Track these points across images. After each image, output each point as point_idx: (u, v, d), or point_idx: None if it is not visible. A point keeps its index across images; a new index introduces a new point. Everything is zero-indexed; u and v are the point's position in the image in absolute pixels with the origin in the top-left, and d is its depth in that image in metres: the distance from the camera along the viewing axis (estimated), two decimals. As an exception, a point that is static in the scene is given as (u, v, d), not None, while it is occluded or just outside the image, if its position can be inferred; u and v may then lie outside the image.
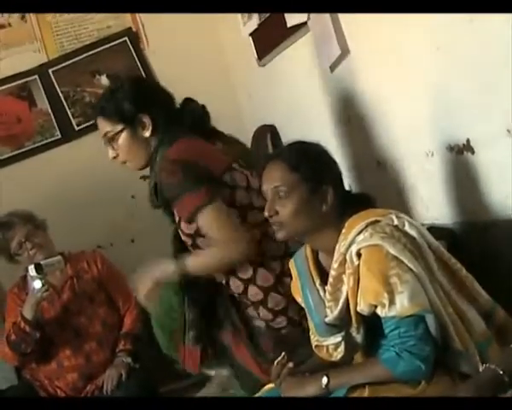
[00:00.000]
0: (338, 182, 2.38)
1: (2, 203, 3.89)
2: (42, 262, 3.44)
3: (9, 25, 4.64)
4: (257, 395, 2.51)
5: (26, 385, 3.69)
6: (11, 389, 3.86)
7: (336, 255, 2.25)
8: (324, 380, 2.23)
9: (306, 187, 2.29)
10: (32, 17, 4.65)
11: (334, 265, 2.26)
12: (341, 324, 2.30)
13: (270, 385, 2.48)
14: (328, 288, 2.30)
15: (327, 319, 2.31)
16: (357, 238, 2.19)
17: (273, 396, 2.40)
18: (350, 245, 2.20)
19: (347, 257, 2.21)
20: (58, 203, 4.33)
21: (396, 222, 2.22)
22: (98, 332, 3.66)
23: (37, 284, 3.39)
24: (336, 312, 2.27)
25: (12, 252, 3.63)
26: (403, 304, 2.10)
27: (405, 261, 2.13)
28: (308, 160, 2.33)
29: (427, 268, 2.18)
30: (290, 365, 2.37)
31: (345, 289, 2.24)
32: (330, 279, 2.28)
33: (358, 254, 2.18)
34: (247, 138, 4.24)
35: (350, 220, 2.26)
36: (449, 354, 2.17)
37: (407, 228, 2.22)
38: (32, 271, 3.39)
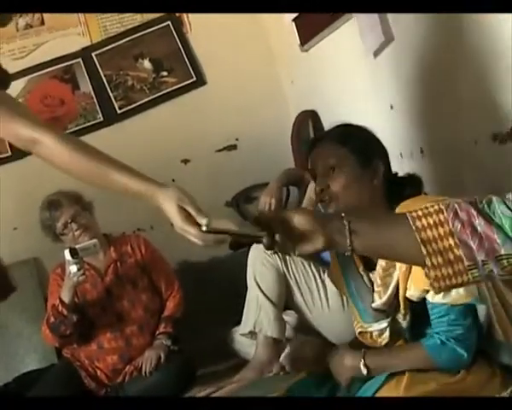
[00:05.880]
0: (386, 160, 2.38)
1: (46, 185, 3.91)
2: (77, 247, 3.44)
3: (54, 8, 4.69)
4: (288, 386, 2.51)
5: (66, 364, 3.72)
6: (51, 367, 3.90)
7: None
8: (363, 369, 2.24)
9: (357, 160, 2.31)
10: (76, 1, 4.70)
11: None
12: (389, 309, 2.28)
13: (300, 376, 2.48)
14: (378, 273, 2.28)
15: (374, 305, 2.30)
16: None
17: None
18: None
19: None
20: (99, 186, 4.36)
21: None
22: (140, 317, 3.67)
23: (73, 268, 3.41)
24: (385, 297, 2.26)
25: (57, 232, 3.65)
26: (458, 291, 2.08)
27: None
28: (355, 135, 2.37)
29: None
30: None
31: (396, 274, 2.22)
32: (382, 263, 2.26)
33: None
34: (289, 124, 4.24)
35: (401, 205, 2.24)
36: (491, 345, 2.16)
37: None
38: (67, 255, 3.41)
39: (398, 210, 2.25)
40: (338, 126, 2.49)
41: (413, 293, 2.17)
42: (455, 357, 2.12)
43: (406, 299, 2.22)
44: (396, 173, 2.44)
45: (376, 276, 2.30)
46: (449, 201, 1.59)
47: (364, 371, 2.26)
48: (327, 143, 2.37)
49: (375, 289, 2.31)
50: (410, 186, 2.36)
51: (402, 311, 2.26)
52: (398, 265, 2.22)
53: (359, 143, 2.35)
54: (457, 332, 2.11)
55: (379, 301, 2.29)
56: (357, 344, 2.47)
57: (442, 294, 2.11)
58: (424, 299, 2.17)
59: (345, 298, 3.09)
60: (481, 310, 2.12)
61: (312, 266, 3.29)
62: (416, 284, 2.16)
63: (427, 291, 2.14)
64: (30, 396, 3.52)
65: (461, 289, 2.09)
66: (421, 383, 2.10)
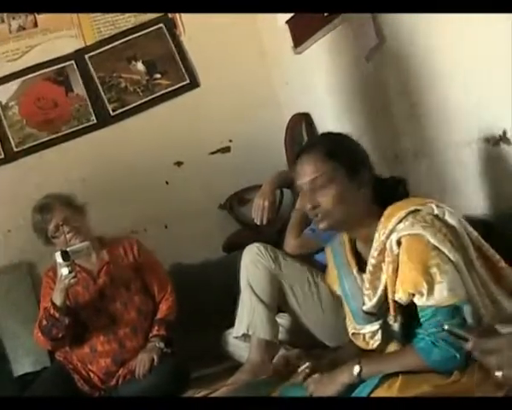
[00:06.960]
0: (370, 166, 2.39)
1: (39, 187, 3.91)
2: (68, 249, 3.41)
3: (48, 10, 4.67)
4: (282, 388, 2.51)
5: (59, 368, 3.71)
6: (43, 371, 3.89)
7: (376, 244, 2.25)
8: (356, 369, 2.23)
9: (345, 173, 2.30)
10: (69, 3, 4.68)
11: (374, 253, 2.26)
12: (379, 312, 2.30)
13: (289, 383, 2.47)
14: (366, 276, 2.30)
15: (365, 307, 2.31)
16: (397, 227, 2.19)
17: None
18: (390, 233, 2.20)
19: (387, 245, 2.21)
20: (92, 188, 4.36)
21: (436, 211, 2.21)
22: (133, 319, 3.64)
23: (65, 270, 3.38)
24: (374, 300, 2.27)
25: (49, 234, 3.63)
26: (442, 294, 2.10)
27: (445, 252, 2.13)
28: (342, 146, 2.36)
29: (466, 258, 2.18)
30: (307, 364, 2.39)
31: (384, 277, 2.23)
32: (369, 267, 2.28)
33: (398, 243, 2.18)
34: (282, 126, 4.24)
35: (389, 209, 2.26)
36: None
37: (447, 217, 2.21)
38: (58, 258, 3.39)
39: (386, 212, 2.26)
40: (323, 136, 2.51)
41: (401, 296, 2.19)
42: (446, 357, 2.12)
43: (395, 302, 2.23)
44: (380, 176, 2.44)
45: (366, 279, 2.31)
46: None
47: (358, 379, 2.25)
48: (314, 156, 2.34)
49: (365, 292, 2.32)
50: (397, 189, 2.37)
51: (392, 313, 2.27)
52: (385, 268, 2.23)
53: (347, 155, 2.34)
54: (445, 333, 2.11)
55: (369, 303, 2.30)
56: (350, 348, 2.48)
57: (426, 296, 2.12)
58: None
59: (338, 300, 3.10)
60: (468, 311, 2.13)
61: (306, 269, 3.28)
62: (403, 288, 2.17)
63: (414, 295, 2.15)
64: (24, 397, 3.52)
65: (444, 292, 2.11)
66: (414, 385, 2.10)
